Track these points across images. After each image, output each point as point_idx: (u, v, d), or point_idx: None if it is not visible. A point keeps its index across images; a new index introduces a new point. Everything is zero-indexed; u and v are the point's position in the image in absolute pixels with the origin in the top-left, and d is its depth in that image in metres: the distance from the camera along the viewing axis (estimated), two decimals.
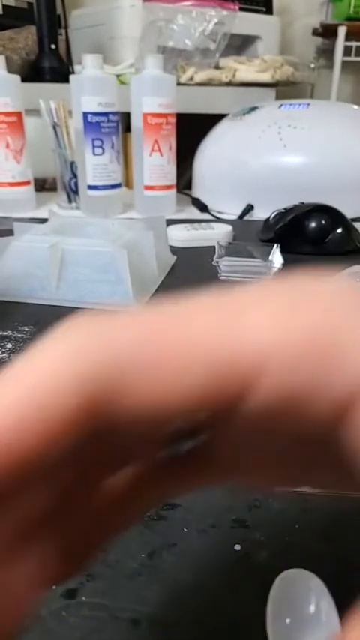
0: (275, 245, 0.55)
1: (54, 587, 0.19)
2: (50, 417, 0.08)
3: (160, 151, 0.75)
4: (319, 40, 1.61)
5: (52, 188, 0.91)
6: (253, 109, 0.82)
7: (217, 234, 0.62)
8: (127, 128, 0.84)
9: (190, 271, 0.53)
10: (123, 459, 0.12)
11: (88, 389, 0.08)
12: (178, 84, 0.89)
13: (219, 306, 0.10)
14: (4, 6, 1.15)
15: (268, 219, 0.64)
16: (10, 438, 0.08)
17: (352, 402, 0.09)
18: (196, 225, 0.64)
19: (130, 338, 0.09)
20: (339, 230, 0.58)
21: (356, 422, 0.09)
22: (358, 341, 0.09)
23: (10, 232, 0.49)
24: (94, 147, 0.74)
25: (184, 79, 1.13)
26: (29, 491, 0.10)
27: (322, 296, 0.10)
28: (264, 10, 1.31)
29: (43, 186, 0.95)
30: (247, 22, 1.23)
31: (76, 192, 0.82)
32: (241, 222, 0.74)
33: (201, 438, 0.12)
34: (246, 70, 1.17)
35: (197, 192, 0.84)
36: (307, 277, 0.10)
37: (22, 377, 0.09)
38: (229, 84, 1.16)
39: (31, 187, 0.82)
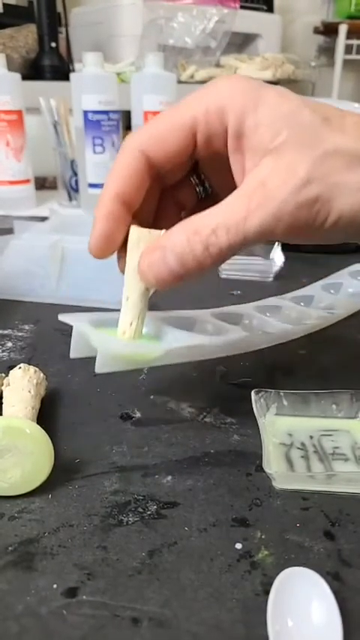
0: (276, 243, 0.54)
1: (54, 586, 0.19)
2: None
3: None
4: (320, 38, 1.61)
5: (53, 186, 0.90)
6: None
7: None
8: (128, 126, 0.84)
9: None
10: (183, 199, 0.27)
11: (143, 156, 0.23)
12: (179, 82, 0.89)
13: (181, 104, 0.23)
14: (4, 4, 1.15)
15: None
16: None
17: (234, 141, 0.22)
18: None
19: (153, 133, 0.23)
20: None
21: (237, 159, 0.23)
22: (234, 106, 0.21)
23: (10, 231, 0.49)
24: (94, 145, 0.74)
25: (184, 77, 1.13)
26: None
27: (223, 84, 0.22)
28: (265, 8, 1.30)
29: (43, 184, 0.94)
30: (248, 20, 1.22)
31: (76, 190, 0.82)
32: None
33: (206, 184, 0.27)
34: (247, 68, 1.17)
35: None
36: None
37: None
38: None
39: (31, 186, 0.82)
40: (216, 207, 0.22)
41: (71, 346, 0.25)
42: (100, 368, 0.23)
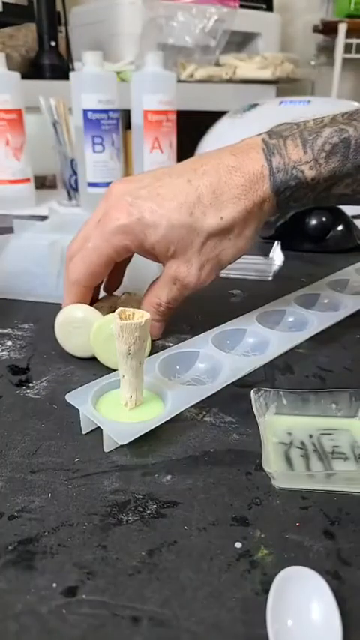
0: (276, 242, 0.54)
1: (54, 585, 0.19)
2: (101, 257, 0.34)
3: (160, 148, 0.75)
4: (320, 37, 1.60)
5: (52, 185, 0.90)
6: (254, 106, 0.82)
7: None
8: (128, 125, 0.84)
9: None
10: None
11: (120, 246, 0.34)
12: (179, 81, 0.89)
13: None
14: (4, 3, 1.15)
15: None
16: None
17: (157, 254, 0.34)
18: None
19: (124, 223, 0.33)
20: (339, 227, 0.58)
21: (151, 256, 0.35)
22: (153, 223, 0.33)
23: (9, 230, 0.49)
24: (94, 144, 0.73)
25: (184, 76, 1.13)
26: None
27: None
28: (264, 7, 1.30)
29: (43, 183, 0.94)
30: (247, 19, 1.22)
31: (76, 189, 0.82)
32: None
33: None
34: (246, 67, 1.17)
35: None
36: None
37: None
38: (230, 81, 1.16)
39: (31, 185, 0.82)
40: (155, 284, 0.36)
41: (81, 424, 0.27)
42: (107, 448, 0.26)
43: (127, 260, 0.39)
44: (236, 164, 0.33)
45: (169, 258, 0.34)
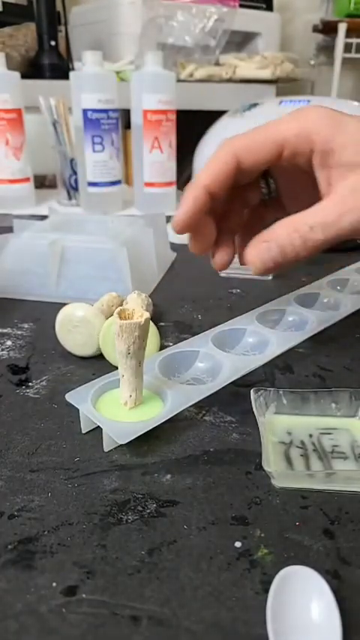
0: None
1: (54, 584, 0.19)
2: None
3: (160, 147, 0.75)
4: (320, 37, 1.60)
5: (52, 185, 0.90)
6: (254, 105, 0.82)
7: None
8: (127, 125, 0.84)
9: (190, 268, 0.53)
10: (249, 198, 0.32)
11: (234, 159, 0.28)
12: (178, 80, 0.89)
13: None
14: (3, 3, 1.15)
15: None
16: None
17: (320, 158, 0.27)
18: None
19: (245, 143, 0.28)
20: None
21: (323, 173, 0.27)
22: (321, 131, 0.26)
23: (9, 229, 0.49)
24: (94, 144, 0.73)
25: (184, 75, 1.13)
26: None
27: (310, 112, 0.27)
28: (264, 6, 1.30)
29: (42, 183, 0.94)
30: (247, 19, 1.22)
31: (75, 189, 0.82)
32: None
33: (272, 188, 0.32)
34: (246, 66, 1.17)
35: None
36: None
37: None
38: (229, 80, 1.16)
39: (30, 184, 0.82)
40: (312, 208, 0.27)
41: (81, 423, 0.27)
42: (107, 447, 0.26)
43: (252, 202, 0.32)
44: None
45: (355, 165, 0.27)
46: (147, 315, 0.26)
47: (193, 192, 0.28)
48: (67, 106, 0.77)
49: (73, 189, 0.82)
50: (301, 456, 0.25)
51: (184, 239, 0.32)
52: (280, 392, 0.28)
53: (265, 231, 0.28)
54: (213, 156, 0.29)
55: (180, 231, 0.29)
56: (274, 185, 0.32)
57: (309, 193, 0.29)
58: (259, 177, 0.31)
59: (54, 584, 0.19)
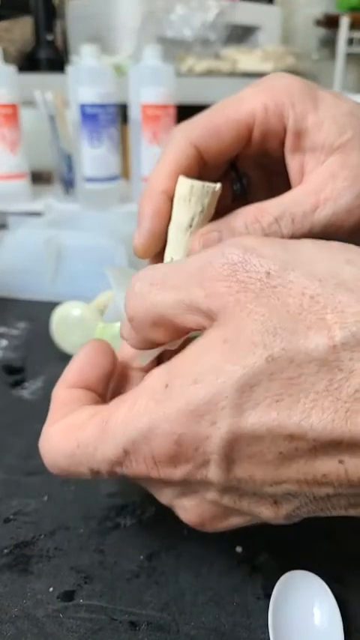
0: None
1: (51, 589, 0.18)
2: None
3: (158, 142, 0.74)
4: (322, 31, 1.59)
5: (49, 181, 0.90)
6: None
7: None
8: (126, 119, 0.83)
9: None
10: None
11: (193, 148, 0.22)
12: (178, 74, 0.88)
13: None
14: None
15: None
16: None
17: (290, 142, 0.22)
18: None
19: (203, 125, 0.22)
20: None
21: (295, 159, 0.22)
22: (295, 105, 0.21)
23: (4, 226, 0.48)
24: (91, 139, 0.73)
25: (184, 69, 1.12)
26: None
27: (279, 81, 0.22)
28: None
29: (39, 178, 0.93)
30: (247, 12, 1.21)
31: (72, 184, 0.81)
32: None
33: (244, 182, 0.25)
34: (247, 60, 1.16)
35: None
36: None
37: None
38: (230, 74, 1.15)
39: (27, 180, 0.81)
40: (280, 197, 0.21)
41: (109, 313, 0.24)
42: None
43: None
44: None
45: (331, 149, 0.21)
46: (219, 184, 0.21)
47: (151, 203, 0.22)
48: (63, 100, 0.76)
49: (69, 185, 0.82)
50: None
51: None
52: None
53: (219, 219, 0.22)
54: (165, 150, 0.22)
55: (144, 256, 0.23)
56: (245, 180, 0.26)
57: (288, 188, 0.23)
58: (227, 170, 0.25)
59: (51, 588, 0.19)
